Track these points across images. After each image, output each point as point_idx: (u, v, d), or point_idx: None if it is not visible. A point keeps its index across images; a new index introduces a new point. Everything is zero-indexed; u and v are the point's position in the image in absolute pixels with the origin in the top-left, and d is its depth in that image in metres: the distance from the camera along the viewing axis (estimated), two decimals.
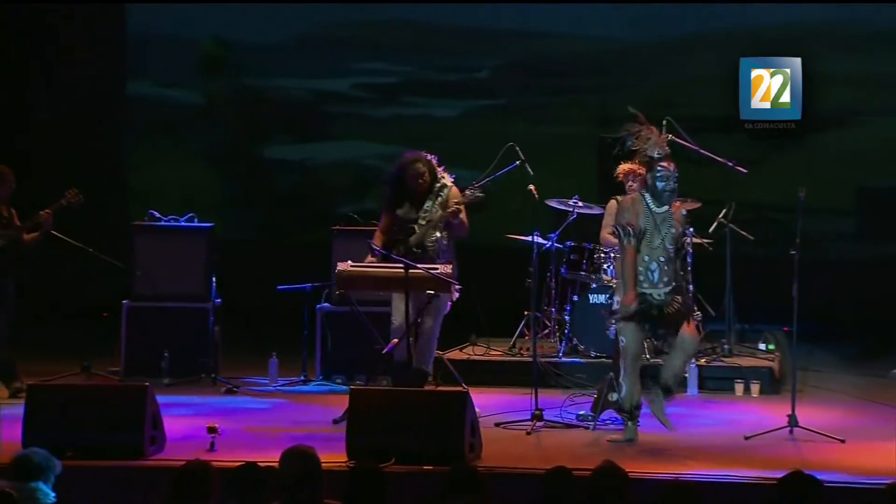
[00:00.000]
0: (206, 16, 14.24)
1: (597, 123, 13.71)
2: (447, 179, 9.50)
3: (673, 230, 8.36)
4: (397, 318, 9.36)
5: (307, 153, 14.51)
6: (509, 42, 14.12)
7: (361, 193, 14.34)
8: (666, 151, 8.39)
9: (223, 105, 14.47)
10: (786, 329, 9.90)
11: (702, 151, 10.65)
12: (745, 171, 10.73)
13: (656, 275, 8.34)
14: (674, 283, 8.39)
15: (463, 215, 9.37)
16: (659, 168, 8.34)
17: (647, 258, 8.35)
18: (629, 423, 8.47)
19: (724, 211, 10.73)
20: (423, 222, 9.40)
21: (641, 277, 8.34)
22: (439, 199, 9.43)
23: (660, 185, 8.34)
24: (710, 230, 10.70)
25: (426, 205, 9.44)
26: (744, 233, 10.79)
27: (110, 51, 14.29)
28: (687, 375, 8.57)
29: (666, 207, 8.39)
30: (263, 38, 14.23)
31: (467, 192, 9.40)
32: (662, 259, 8.34)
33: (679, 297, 8.39)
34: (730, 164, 10.74)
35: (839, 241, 12.99)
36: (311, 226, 14.11)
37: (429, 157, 9.52)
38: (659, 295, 8.34)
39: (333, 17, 14.26)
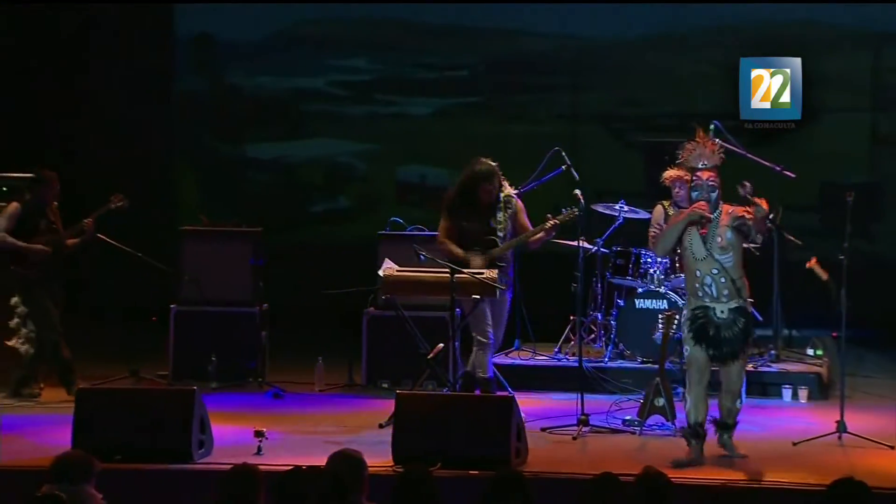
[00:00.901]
0: (186, 13, 14.20)
1: (573, 121, 13.59)
2: (509, 189, 9.39)
3: (718, 238, 8.10)
4: (489, 329, 9.25)
5: (282, 151, 14.47)
6: (489, 40, 13.98)
7: (335, 191, 14.34)
8: (712, 163, 8.19)
9: (202, 102, 14.46)
10: (834, 335, 9.81)
11: (749, 156, 10.57)
12: (793, 175, 10.64)
13: (713, 289, 8.10)
14: (738, 301, 8.10)
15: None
16: (693, 178, 8.23)
17: (698, 272, 8.12)
18: (693, 441, 8.14)
19: (770, 215, 10.63)
20: (501, 234, 9.24)
21: (700, 293, 8.13)
22: (509, 210, 9.27)
23: (693, 194, 8.21)
24: None
25: (498, 216, 9.28)
26: (791, 237, 10.70)
27: (157, 50, 14.22)
28: (740, 407, 8.35)
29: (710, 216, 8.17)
30: (240, 35, 14.18)
31: (565, 210, 9.28)
32: (715, 271, 8.08)
33: (742, 321, 8.10)
34: (777, 168, 10.66)
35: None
36: (290, 225, 14.03)
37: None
38: (722, 312, 8.07)
39: (310, 14, 14.19)
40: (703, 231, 8.11)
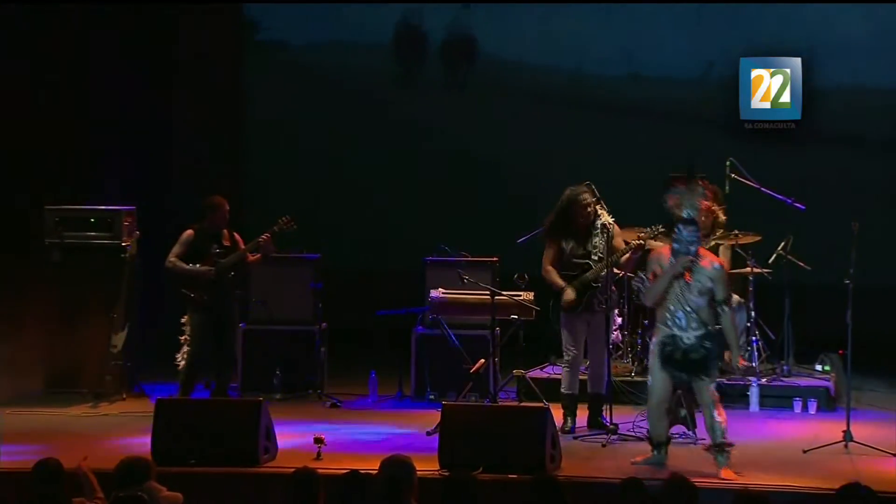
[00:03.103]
0: None
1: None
2: (607, 217, 9.08)
3: (698, 283, 7.78)
4: (572, 350, 9.08)
5: None
6: None
7: None
8: (695, 213, 7.82)
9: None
10: (841, 352, 9.69)
11: (762, 189, 10.48)
12: (803, 207, 10.52)
13: (683, 321, 7.85)
14: (706, 329, 7.87)
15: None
16: (676, 229, 7.85)
17: (672, 307, 7.88)
18: (654, 451, 8.06)
19: (782, 243, 10.54)
20: (597, 258, 8.96)
21: (669, 323, 7.88)
22: (605, 235, 8.95)
23: (675, 245, 7.86)
24: (770, 261, 10.51)
25: (595, 241, 8.99)
26: (801, 263, 10.59)
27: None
28: (720, 421, 7.87)
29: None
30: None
31: (648, 229, 9.02)
32: (689, 308, 7.84)
33: (707, 344, 7.84)
34: (788, 201, 10.55)
35: None
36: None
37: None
38: (689, 338, 7.85)
39: None
40: (688, 277, 7.83)
